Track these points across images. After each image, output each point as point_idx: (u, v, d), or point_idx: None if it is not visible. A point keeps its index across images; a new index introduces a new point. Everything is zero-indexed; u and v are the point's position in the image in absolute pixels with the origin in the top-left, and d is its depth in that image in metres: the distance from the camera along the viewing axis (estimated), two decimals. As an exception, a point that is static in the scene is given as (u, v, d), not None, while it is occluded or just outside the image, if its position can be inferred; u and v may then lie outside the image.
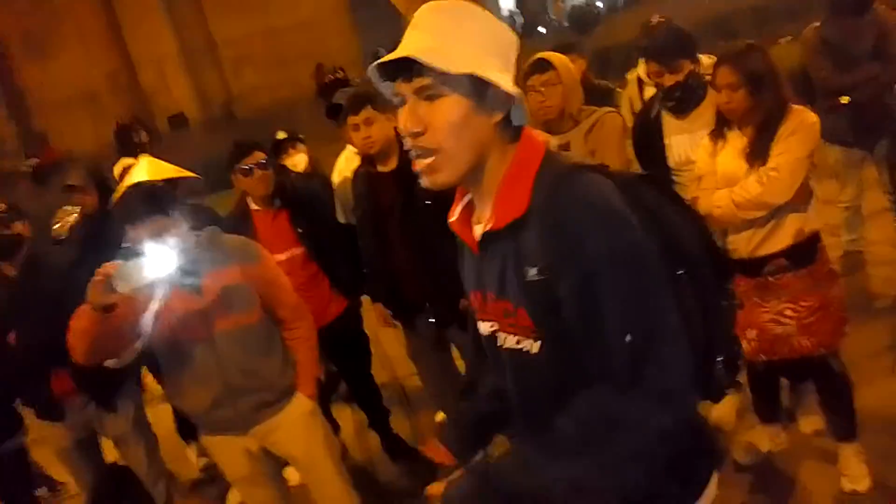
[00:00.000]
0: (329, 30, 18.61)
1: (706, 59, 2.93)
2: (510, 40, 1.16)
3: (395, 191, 2.72)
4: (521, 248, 1.10)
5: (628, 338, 1.03)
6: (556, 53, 2.87)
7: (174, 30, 18.60)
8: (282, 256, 3.00)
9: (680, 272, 1.15)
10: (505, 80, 1.10)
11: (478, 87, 1.08)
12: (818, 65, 3.63)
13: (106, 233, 2.43)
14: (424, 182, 1.14)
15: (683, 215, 1.24)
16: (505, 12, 26.08)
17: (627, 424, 1.04)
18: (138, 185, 2.61)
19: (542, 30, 20.17)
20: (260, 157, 2.97)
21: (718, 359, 1.22)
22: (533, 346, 1.14)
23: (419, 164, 1.13)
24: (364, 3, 19.24)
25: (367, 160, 2.82)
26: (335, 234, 3.19)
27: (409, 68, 1.08)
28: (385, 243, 2.84)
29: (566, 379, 1.12)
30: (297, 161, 4.19)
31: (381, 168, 2.78)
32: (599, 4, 22.21)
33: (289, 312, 2.39)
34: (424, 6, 1.14)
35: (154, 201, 2.11)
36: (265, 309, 2.31)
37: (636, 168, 2.94)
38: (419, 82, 1.08)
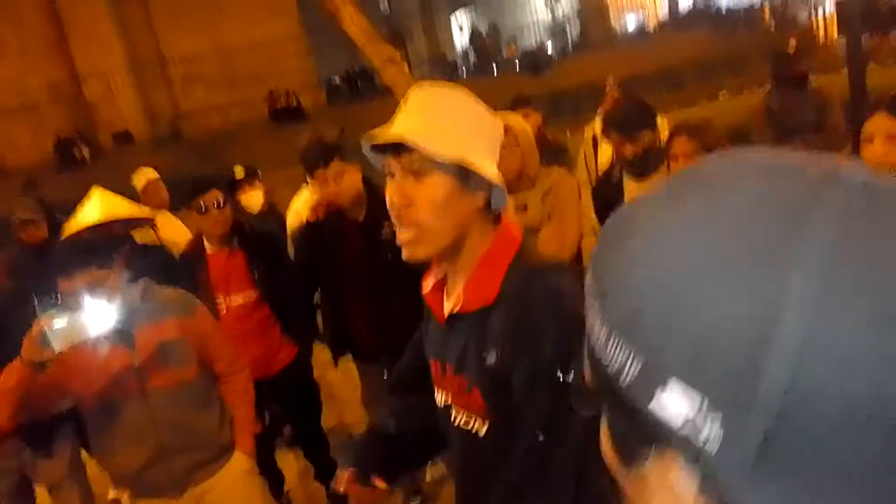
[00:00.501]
0: (283, 52, 18.51)
1: (659, 120, 3.07)
2: (496, 127, 1.23)
3: (360, 241, 2.72)
4: (485, 332, 1.16)
5: (541, 438, 1.10)
6: (514, 115, 2.96)
7: (123, 42, 18.17)
8: (238, 299, 2.99)
9: None
10: (488, 167, 1.17)
11: (462, 170, 1.15)
12: (762, 132, 3.85)
13: (47, 270, 2.35)
14: (404, 253, 1.19)
15: None
16: (459, 50, 26.50)
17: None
18: (75, 236, 2.54)
19: (494, 70, 20.58)
20: (217, 196, 2.90)
21: None
22: (481, 429, 1.19)
23: (401, 236, 1.18)
24: (319, 28, 19.28)
25: (335, 209, 2.80)
26: (290, 279, 3.13)
27: (396, 147, 1.15)
28: (343, 291, 2.84)
29: (509, 465, 1.16)
30: (253, 198, 4.16)
31: (348, 217, 2.77)
32: (550, 50, 22.86)
33: (226, 366, 2.35)
34: (418, 89, 1.22)
35: (89, 254, 2.06)
36: (201, 363, 2.26)
37: (595, 227, 3.02)
38: (408, 160, 1.14)
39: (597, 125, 3.95)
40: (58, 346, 1.82)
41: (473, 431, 1.20)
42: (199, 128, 17.18)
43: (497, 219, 1.23)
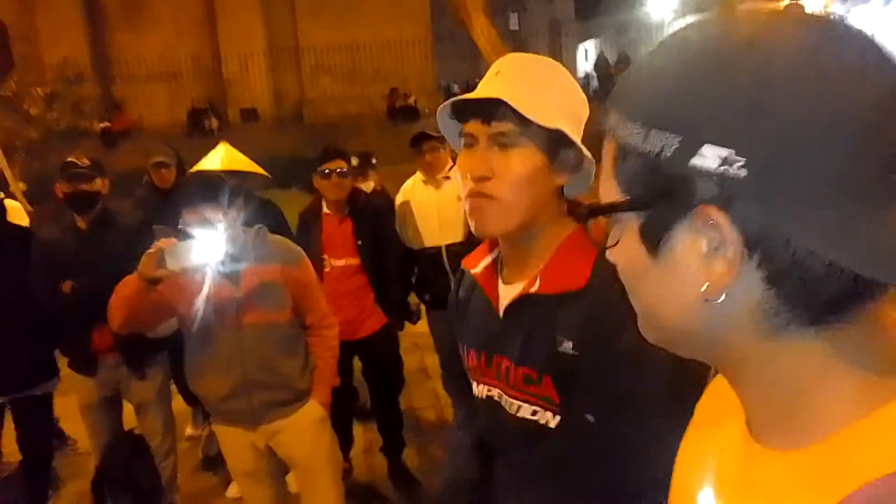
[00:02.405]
0: (409, 55, 19.03)
1: None
2: (585, 108, 1.13)
3: None
4: (560, 319, 1.06)
5: (591, 419, 1.03)
6: None
7: (265, 29, 19.24)
8: (339, 262, 3.23)
9: None
10: (580, 142, 1.07)
11: (554, 145, 1.06)
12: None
13: (172, 208, 2.54)
14: (474, 227, 1.09)
15: None
16: (581, 73, 26.39)
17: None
18: (200, 173, 2.73)
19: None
20: (342, 164, 3.20)
21: None
22: (551, 420, 1.09)
23: (474, 206, 1.08)
24: (446, 36, 19.72)
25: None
26: (391, 254, 3.35)
27: (489, 112, 1.05)
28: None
29: (580, 457, 1.07)
30: (365, 185, 4.37)
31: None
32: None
33: (317, 319, 2.47)
34: (512, 55, 1.14)
35: (210, 191, 2.22)
36: (295, 311, 2.38)
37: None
38: (498, 127, 1.04)
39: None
40: (171, 265, 1.99)
41: (543, 423, 1.10)
42: (319, 114, 17.90)
43: (572, 206, 1.13)
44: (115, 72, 19.01)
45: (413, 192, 3.49)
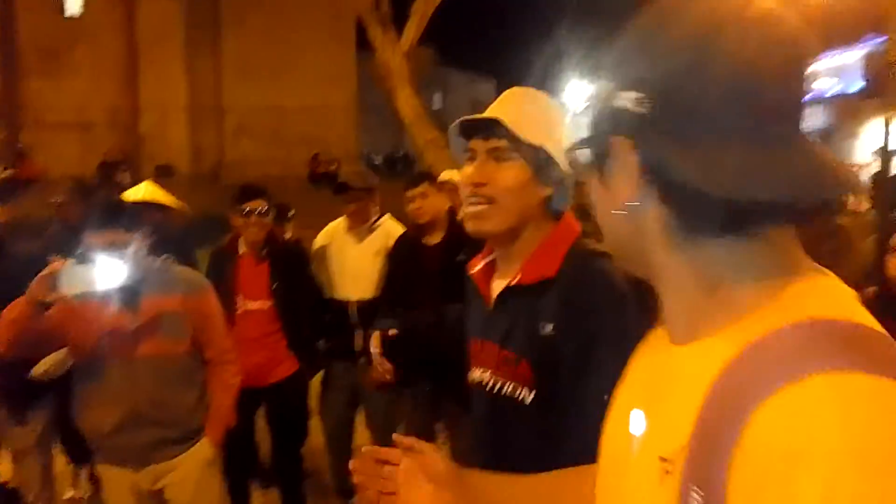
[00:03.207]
0: (334, 121, 19.28)
1: None
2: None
3: (438, 261, 2.92)
4: (539, 306, 1.25)
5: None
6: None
7: (188, 84, 19.11)
8: (253, 304, 3.14)
9: None
10: (563, 162, 1.29)
11: (540, 162, 1.28)
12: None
13: (75, 240, 2.44)
14: (470, 226, 1.31)
15: None
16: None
17: None
18: (109, 197, 2.65)
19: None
20: (262, 204, 3.13)
21: None
22: (527, 396, 1.26)
23: (471, 209, 1.29)
24: (371, 108, 20.13)
25: (415, 229, 3.11)
26: (306, 300, 3.28)
27: (488, 130, 1.27)
28: (411, 308, 2.89)
29: (550, 431, 1.22)
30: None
31: (426, 240, 3.04)
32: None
33: (216, 353, 2.39)
34: (513, 89, 1.38)
35: (114, 214, 2.15)
36: (195, 344, 2.31)
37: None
38: (494, 143, 1.27)
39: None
40: (65, 288, 1.89)
41: (520, 399, 1.26)
42: (239, 175, 17.69)
43: (556, 217, 1.34)
44: (26, 119, 18.30)
45: (334, 236, 3.46)
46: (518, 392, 1.27)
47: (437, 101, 29.64)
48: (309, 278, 3.36)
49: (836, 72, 21.99)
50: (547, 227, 1.32)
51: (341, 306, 3.32)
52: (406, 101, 10.95)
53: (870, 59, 19.09)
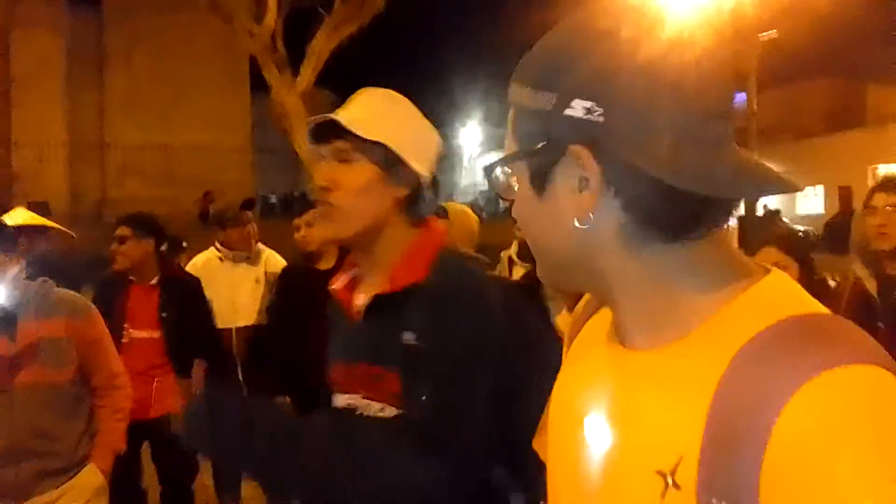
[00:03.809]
0: (228, 161, 18.80)
1: None
2: (433, 138, 1.32)
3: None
4: (406, 315, 1.19)
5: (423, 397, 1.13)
6: (462, 205, 3.21)
7: (69, 118, 18.13)
8: (141, 333, 3.07)
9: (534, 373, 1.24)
10: (415, 162, 1.24)
11: (388, 161, 1.22)
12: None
13: None
14: (317, 231, 1.22)
15: (546, 325, 1.39)
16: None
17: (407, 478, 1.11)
18: None
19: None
20: (124, 231, 3.10)
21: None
22: (393, 412, 1.20)
23: (318, 214, 1.24)
24: (268, 149, 19.84)
25: (305, 258, 3.13)
26: (197, 332, 3.18)
27: (331, 132, 1.22)
28: (303, 336, 2.83)
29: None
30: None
31: (319, 265, 3.04)
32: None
33: (104, 379, 2.28)
34: (362, 90, 1.32)
35: None
36: (80, 370, 2.19)
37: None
38: (337, 144, 1.22)
39: (512, 249, 4.19)
40: None
41: (388, 417, 1.20)
42: (122, 214, 16.87)
43: (420, 224, 1.29)
44: None
45: (205, 269, 3.44)
46: (386, 410, 1.21)
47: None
48: (203, 309, 3.28)
49: (706, 126, 23.93)
50: (409, 233, 1.26)
51: (222, 335, 3.28)
52: (303, 142, 10.92)
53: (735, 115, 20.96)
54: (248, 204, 4.75)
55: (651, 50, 0.58)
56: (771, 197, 19.34)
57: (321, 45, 11.03)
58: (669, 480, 0.55)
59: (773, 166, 0.62)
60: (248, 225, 3.36)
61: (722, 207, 0.60)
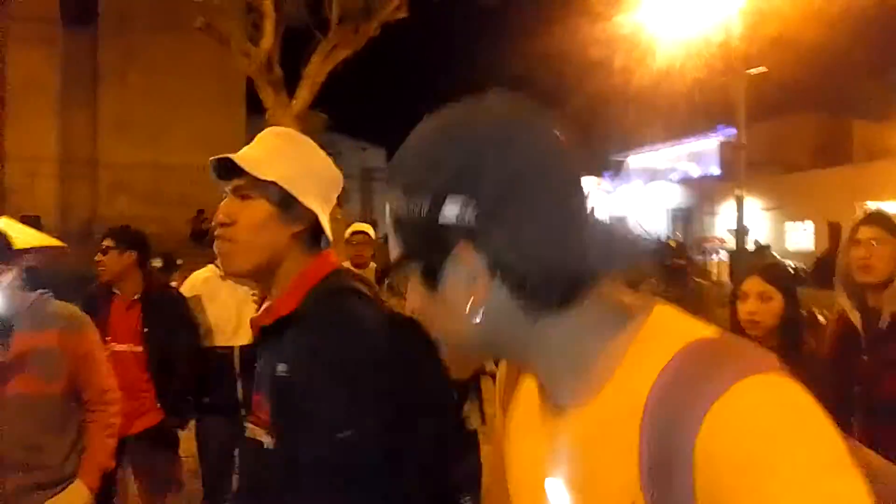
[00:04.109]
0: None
1: None
2: (334, 177, 1.37)
3: None
4: (281, 346, 1.24)
5: (340, 435, 1.14)
6: None
7: (61, 136, 18.13)
8: (121, 347, 3.04)
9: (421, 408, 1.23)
10: (312, 200, 1.27)
11: (283, 200, 1.26)
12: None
13: None
14: (222, 265, 1.31)
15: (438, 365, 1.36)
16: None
17: None
18: None
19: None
20: (108, 242, 3.10)
21: (466, 498, 1.33)
22: (269, 442, 1.23)
23: (217, 248, 1.28)
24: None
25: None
26: (181, 347, 3.15)
27: (230, 170, 1.27)
28: None
29: (290, 481, 1.20)
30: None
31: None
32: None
33: (95, 394, 2.25)
34: (268, 129, 1.39)
35: None
36: (70, 383, 2.17)
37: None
38: (236, 182, 1.27)
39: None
40: None
41: (263, 444, 1.24)
42: (112, 231, 16.81)
43: (317, 254, 1.33)
44: None
45: (205, 286, 3.40)
46: (262, 437, 1.25)
47: (326, 165, 29.74)
48: (187, 326, 3.25)
49: (695, 157, 24.16)
50: (302, 266, 1.29)
51: (223, 354, 3.23)
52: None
53: (723, 147, 21.17)
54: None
55: (508, 137, 0.62)
56: (761, 232, 19.55)
57: (317, 68, 11.09)
58: None
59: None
60: None
61: (594, 273, 0.64)
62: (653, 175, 25.23)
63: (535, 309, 0.63)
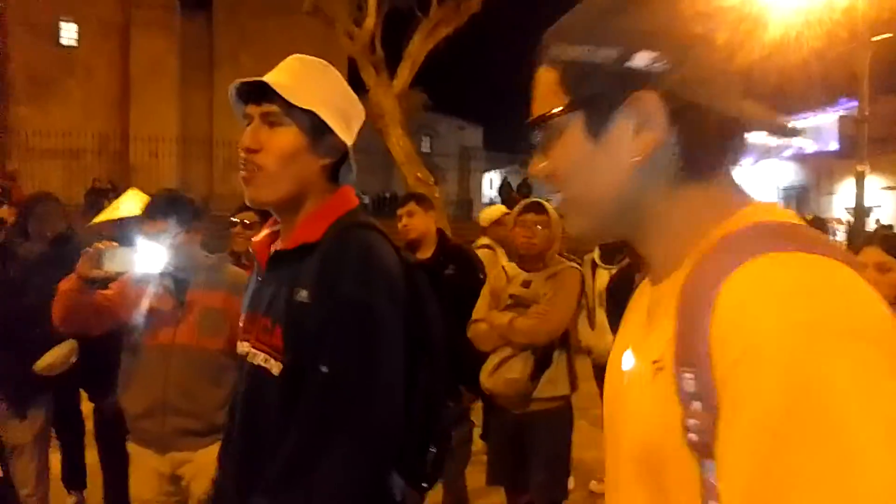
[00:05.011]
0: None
1: None
2: (358, 109, 1.35)
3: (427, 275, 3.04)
4: (300, 273, 1.22)
5: (324, 370, 1.16)
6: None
7: (180, 116, 19.24)
8: None
9: (421, 352, 1.27)
10: (341, 129, 1.26)
11: (315, 129, 1.24)
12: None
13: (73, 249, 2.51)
14: (246, 194, 1.26)
15: (441, 311, 1.38)
16: (486, 198, 27.67)
17: (328, 466, 1.14)
18: (171, 190, 2.72)
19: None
20: (250, 216, 3.23)
21: (432, 449, 1.30)
22: (274, 367, 1.22)
23: (245, 177, 1.24)
24: (362, 148, 20.33)
25: (406, 246, 3.19)
26: None
27: (261, 94, 1.24)
28: None
29: (293, 409, 1.19)
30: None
31: (418, 256, 3.14)
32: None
33: None
34: (293, 56, 1.35)
35: (178, 208, 2.28)
36: (231, 344, 2.33)
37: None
38: (266, 108, 1.23)
39: (595, 253, 4.18)
40: (108, 266, 2.02)
41: (269, 370, 1.23)
42: (227, 207, 17.73)
43: (336, 188, 1.32)
44: (14, 144, 18.30)
45: None
46: (268, 362, 1.23)
47: (426, 144, 30.07)
48: None
49: (813, 133, 22.71)
50: (326, 198, 1.28)
51: None
52: (397, 142, 11.18)
53: (843, 122, 19.78)
54: None
55: (708, 9, 0.65)
56: (883, 212, 18.22)
57: (417, 48, 11.23)
58: (659, 365, 0.62)
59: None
60: None
61: (743, 147, 0.68)
62: (764, 152, 24.01)
63: (686, 170, 0.66)
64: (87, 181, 17.47)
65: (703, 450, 0.55)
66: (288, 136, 1.23)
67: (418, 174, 10.71)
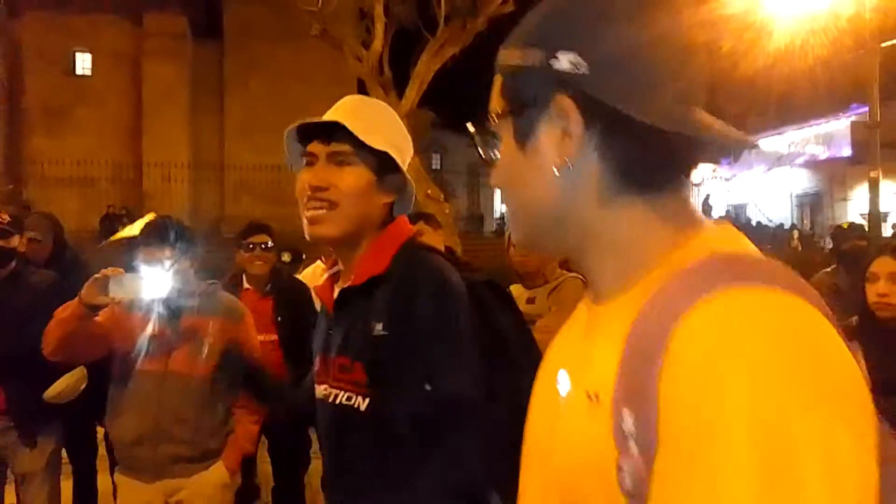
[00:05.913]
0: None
1: None
2: (409, 145, 1.38)
3: None
4: (373, 306, 1.24)
5: (427, 387, 1.18)
6: None
7: (192, 141, 19.46)
8: (260, 337, 3.15)
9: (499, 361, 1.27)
10: (405, 168, 1.30)
11: (382, 168, 1.27)
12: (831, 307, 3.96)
13: (83, 273, 2.52)
14: (310, 231, 1.26)
15: (519, 323, 1.39)
16: (497, 213, 27.60)
17: (424, 487, 1.17)
18: (163, 217, 2.74)
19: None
20: (265, 238, 3.25)
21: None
22: (362, 403, 1.23)
23: (310, 213, 1.25)
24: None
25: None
26: (308, 336, 3.34)
27: (329, 134, 1.25)
28: None
29: (386, 441, 1.21)
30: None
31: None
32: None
33: None
34: (350, 96, 1.38)
35: (175, 235, 2.30)
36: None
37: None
38: (336, 147, 1.25)
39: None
40: (115, 292, 2.02)
41: (355, 407, 1.23)
42: (238, 229, 17.87)
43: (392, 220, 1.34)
44: (29, 174, 18.58)
45: (315, 279, 3.58)
46: (353, 400, 1.24)
47: (435, 161, 30.16)
48: (315, 314, 3.44)
49: (824, 139, 22.56)
50: (383, 233, 1.30)
51: None
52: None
53: (855, 128, 19.64)
54: None
55: (639, 11, 0.62)
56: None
57: (425, 67, 11.32)
58: (593, 397, 0.58)
59: None
60: None
61: (686, 160, 0.64)
62: (776, 160, 23.84)
63: (618, 184, 0.62)
64: (102, 208, 17.72)
65: (637, 496, 0.52)
66: (357, 176, 1.25)
67: (428, 191, 10.74)
